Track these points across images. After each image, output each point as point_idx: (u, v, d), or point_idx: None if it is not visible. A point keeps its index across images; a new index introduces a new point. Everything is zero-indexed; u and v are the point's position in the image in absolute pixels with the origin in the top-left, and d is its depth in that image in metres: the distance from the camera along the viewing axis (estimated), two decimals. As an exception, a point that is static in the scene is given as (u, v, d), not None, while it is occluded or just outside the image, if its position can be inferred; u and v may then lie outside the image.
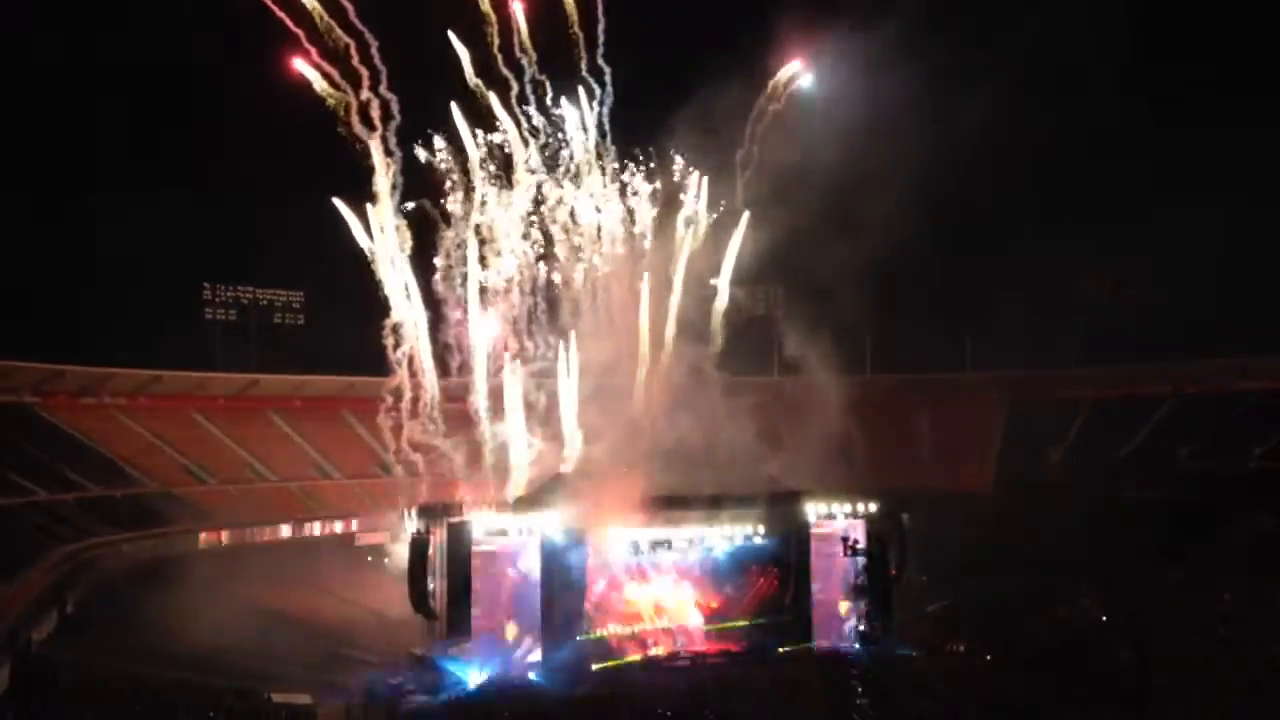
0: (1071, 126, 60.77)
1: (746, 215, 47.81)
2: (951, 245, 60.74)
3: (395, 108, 43.71)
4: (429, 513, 40.08)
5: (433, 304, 45.25)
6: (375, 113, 43.50)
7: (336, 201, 44.47)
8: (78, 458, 55.15)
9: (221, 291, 68.62)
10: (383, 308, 44.64)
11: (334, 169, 45.04)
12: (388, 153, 43.77)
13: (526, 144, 45.91)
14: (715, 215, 48.73)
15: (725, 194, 48.61)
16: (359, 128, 43.48)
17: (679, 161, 47.75)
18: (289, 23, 41.79)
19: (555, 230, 46.73)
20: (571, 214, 47.01)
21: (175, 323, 67.04)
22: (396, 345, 44.65)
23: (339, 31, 42.31)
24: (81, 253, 64.01)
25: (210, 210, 61.93)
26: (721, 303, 48.33)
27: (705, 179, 48.09)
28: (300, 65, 42.87)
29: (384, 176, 43.60)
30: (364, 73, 43.01)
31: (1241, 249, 58.43)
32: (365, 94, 43.13)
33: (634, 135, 47.51)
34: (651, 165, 47.76)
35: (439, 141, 45.06)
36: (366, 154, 43.95)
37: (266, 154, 60.74)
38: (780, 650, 40.34)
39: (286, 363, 68.41)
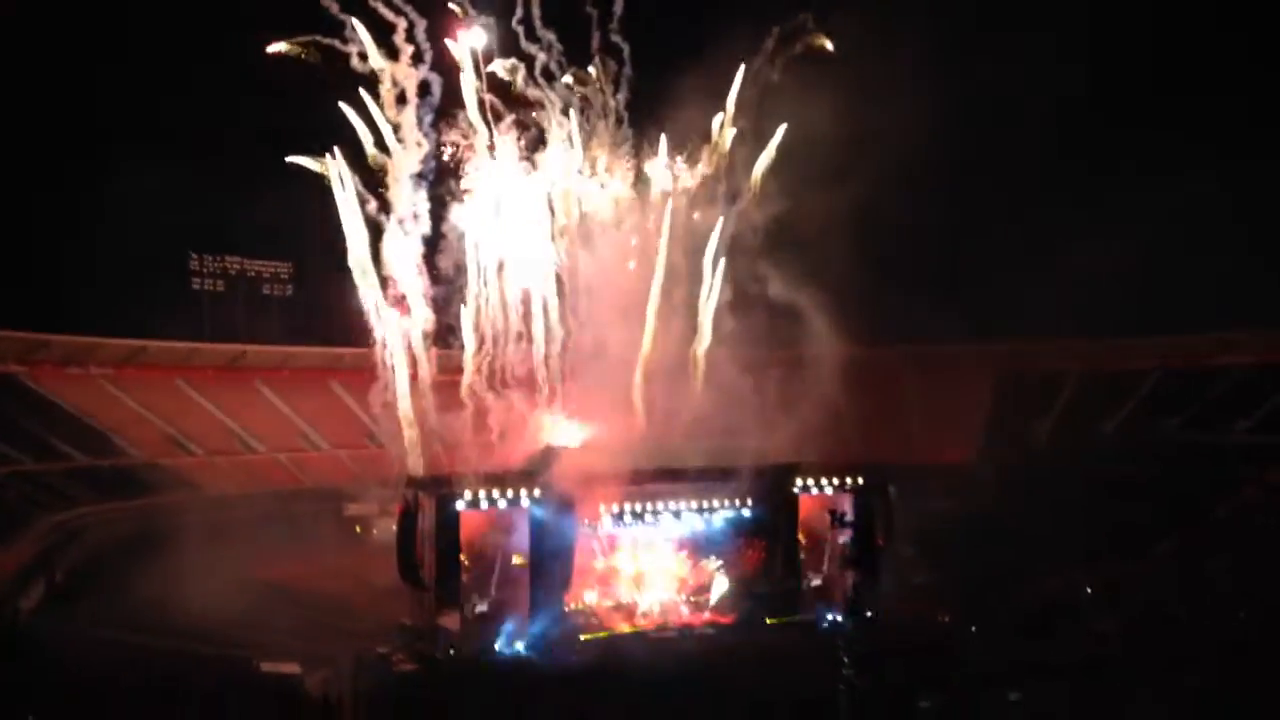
0: (1064, 98, 60.65)
1: (784, 128, 47.34)
2: (940, 216, 60.65)
3: (432, 87, 43.39)
4: (418, 484, 40.10)
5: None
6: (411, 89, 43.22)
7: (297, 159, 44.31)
8: (65, 427, 55.08)
9: (209, 262, 68.34)
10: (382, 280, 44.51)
11: (327, 137, 44.69)
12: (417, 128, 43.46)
13: (561, 123, 45.50)
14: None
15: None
16: (390, 105, 43.27)
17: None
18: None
19: (561, 211, 46.37)
20: (580, 202, 46.71)
21: (162, 293, 66.77)
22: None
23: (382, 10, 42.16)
24: (68, 222, 63.71)
25: (198, 179, 61.50)
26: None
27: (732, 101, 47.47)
28: (282, 47, 42.67)
29: (413, 151, 43.24)
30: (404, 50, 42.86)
31: (1231, 221, 58.57)
32: (399, 70, 42.84)
33: (650, 111, 47.14)
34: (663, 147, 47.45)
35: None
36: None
37: (257, 123, 60.33)
38: (768, 621, 40.56)
39: (274, 334, 68.32)
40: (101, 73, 64.56)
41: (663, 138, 46.65)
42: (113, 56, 63.66)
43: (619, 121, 46.78)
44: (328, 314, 64.54)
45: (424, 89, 43.37)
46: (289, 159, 44.56)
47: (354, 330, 46.97)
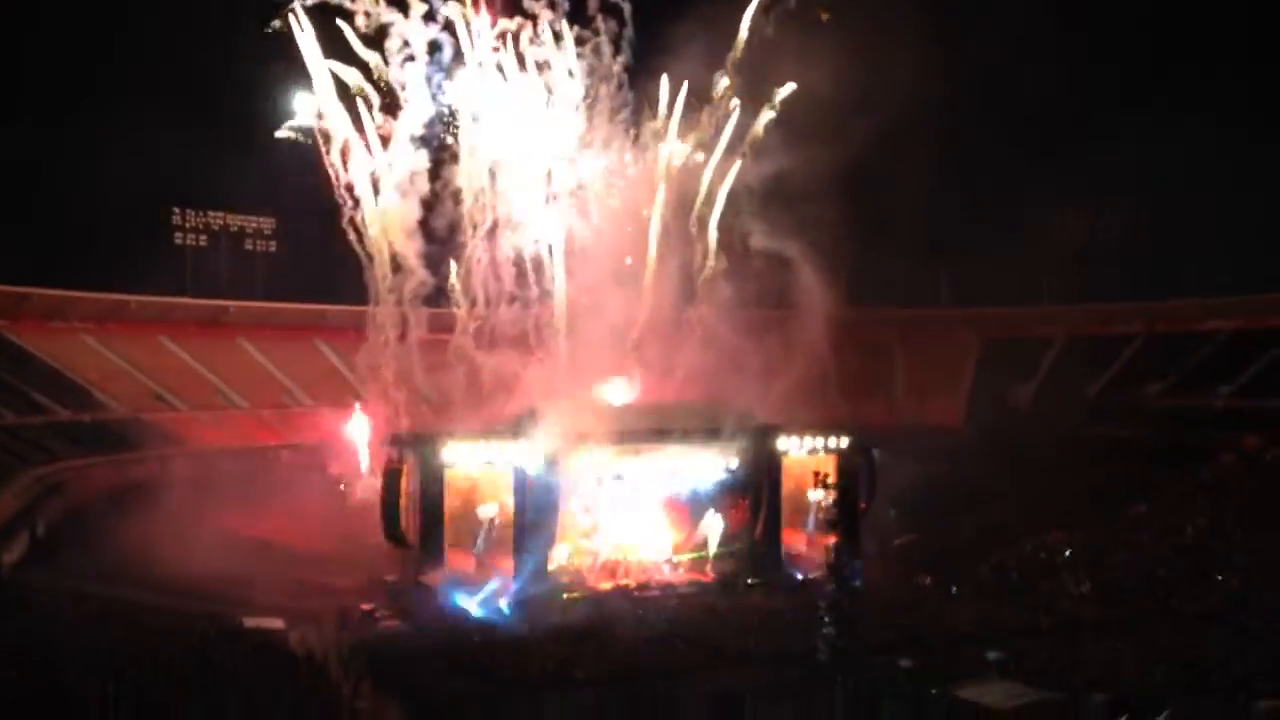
0: (1054, 67, 60.50)
1: (792, 86, 46.95)
2: (929, 180, 60.60)
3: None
4: (402, 441, 40.06)
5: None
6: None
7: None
8: (46, 382, 54.75)
9: (192, 216, 67.71)
10: (360, 237, 44.15)
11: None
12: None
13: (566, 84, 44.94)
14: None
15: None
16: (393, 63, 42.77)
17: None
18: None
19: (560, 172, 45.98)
20: (579, 163, 46.32)
21: (145, 247, 66.18)
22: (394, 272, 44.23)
23: None
24: (50, 175, 63.05)
25: (181, 134, 60.79)
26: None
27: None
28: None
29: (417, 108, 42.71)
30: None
31: (1220, 187, 58.76)
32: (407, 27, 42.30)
33: (649, 71, 46.72)
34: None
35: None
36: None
37: (242, 77, 59.59)
38: (749, 581, 40.79)
39: (258, 290, 67.93)
40: (87, 26, 63.74)
41: (664, 79, 46.28)
42: (100, 9, 62.85)
43: (619, 86, 46.48)
44: (312, 271, 64.25)
45: (433, 48, 42.98)
46: (278, 134, 44.12)
47: (340, 287, 46.78)
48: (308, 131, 43.57)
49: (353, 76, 43.09)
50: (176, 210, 67.06)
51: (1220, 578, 35.88)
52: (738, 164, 47.63)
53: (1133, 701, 22.68)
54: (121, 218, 64.03)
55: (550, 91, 44.95)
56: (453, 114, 43.70)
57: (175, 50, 63.17)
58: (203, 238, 67.94)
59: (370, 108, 43.28)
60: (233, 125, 58.74)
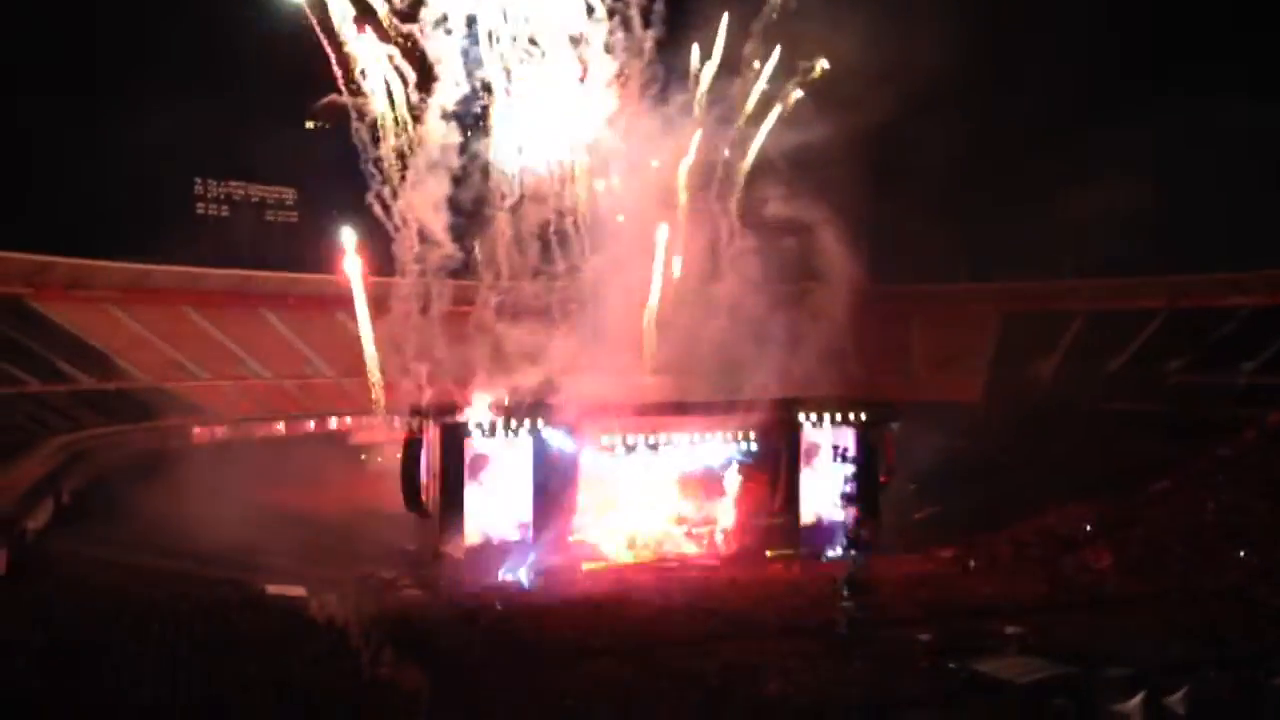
0: (1077, 41, 59.94)
1: (822, 63, 46.75)
2: (949, 154, 60.24)
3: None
4: (423, 412, 40.20)
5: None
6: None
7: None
8: (70, 350, 55.12)
9: (213, 187, 68.00)
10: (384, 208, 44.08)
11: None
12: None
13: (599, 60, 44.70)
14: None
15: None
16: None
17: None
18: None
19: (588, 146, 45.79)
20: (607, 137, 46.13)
21: (167, 217, 66.55)
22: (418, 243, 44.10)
23: None
24: (74, 145, 63.38)
25: (204, 106, 60.97)
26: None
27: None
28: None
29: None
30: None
31: (1242, 162, 58.15)
32: None
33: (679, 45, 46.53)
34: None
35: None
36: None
37: (264, 51, 59.62)
38: (768, 554, 40.88)
39: (278, 260, 68.14)
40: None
41: (694, 49, 46.02)
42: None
43: (649, 60, 46.24)
44: (332, 242, 64.27)
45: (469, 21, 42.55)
46: (307, 124, 43.99)
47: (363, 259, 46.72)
48: (341, 111, 43.26)
49: (386, 50, 42.75)
50: (198, 180, 67.32)
51: (1241, 554, 35.75)
52: (763, 137, 47.37)
53: (1151, 677, 22.64)
54: (144, 188, 64.35)
55: (582, 65, 44.62)
56: (486, 88, 43.40)
57: (198, 21, 63.19)
58: (224, 208, 68.30)
59: (406, 83, 42.95)
60: (256, 96, 58.97)
